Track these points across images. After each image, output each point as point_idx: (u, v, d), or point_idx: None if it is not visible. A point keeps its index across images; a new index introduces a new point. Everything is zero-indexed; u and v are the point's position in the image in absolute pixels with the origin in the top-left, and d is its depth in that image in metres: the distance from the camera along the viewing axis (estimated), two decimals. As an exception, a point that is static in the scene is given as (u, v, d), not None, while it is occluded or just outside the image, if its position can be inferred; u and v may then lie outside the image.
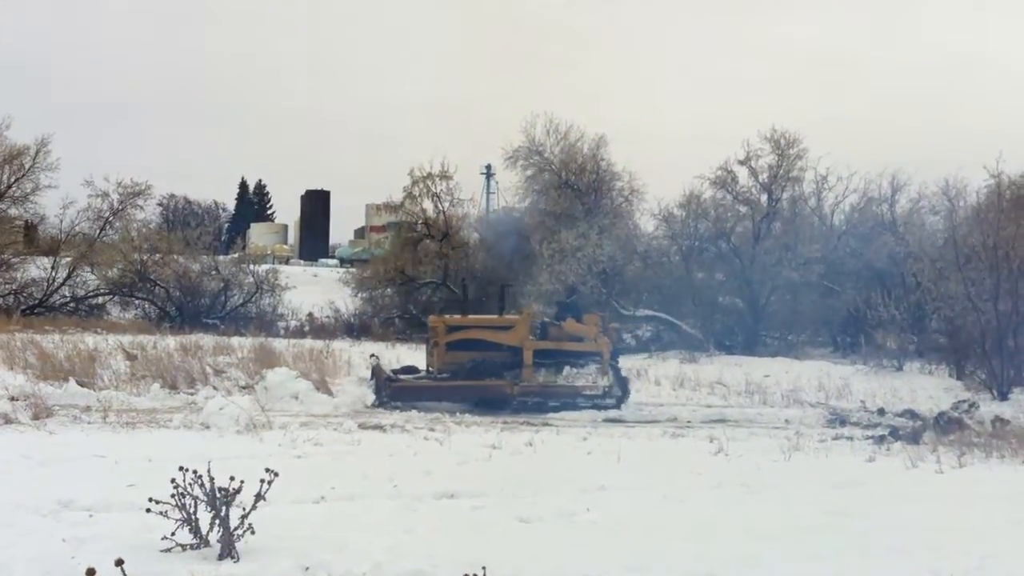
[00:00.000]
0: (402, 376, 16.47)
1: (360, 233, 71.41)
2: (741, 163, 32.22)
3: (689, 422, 14.89)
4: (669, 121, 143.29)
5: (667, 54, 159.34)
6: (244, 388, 15.66)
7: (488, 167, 60.54)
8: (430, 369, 16.66)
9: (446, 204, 34.43)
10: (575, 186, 32.52)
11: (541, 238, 31.11)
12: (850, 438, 13.38)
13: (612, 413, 15.40)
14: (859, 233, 32.53)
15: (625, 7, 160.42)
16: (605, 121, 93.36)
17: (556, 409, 15.56)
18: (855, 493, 9.12)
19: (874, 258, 30.70)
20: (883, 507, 8.32)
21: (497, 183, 55.84)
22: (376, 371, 16.14)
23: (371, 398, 15.40)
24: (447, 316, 18.01)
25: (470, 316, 17.99)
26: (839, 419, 15.73)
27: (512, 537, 6.84)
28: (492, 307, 32.36)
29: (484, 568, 5.05)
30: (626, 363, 23.14)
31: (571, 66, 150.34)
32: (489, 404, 15.61)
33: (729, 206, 32.78)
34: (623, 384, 16.45)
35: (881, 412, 16.85)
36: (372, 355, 17.79)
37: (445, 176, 34.03)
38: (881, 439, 13.02)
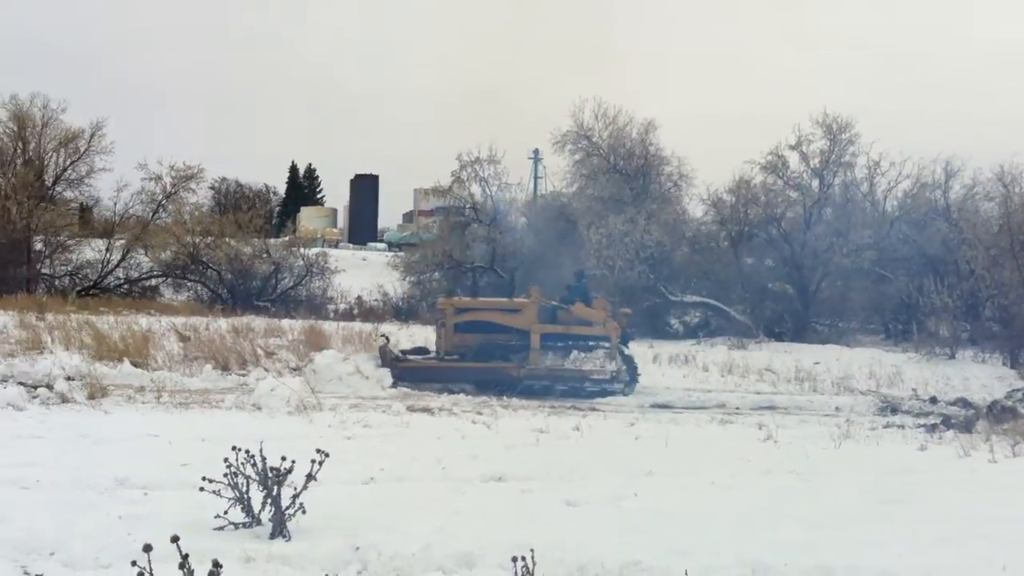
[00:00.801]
0: (411, 356, 16.50)
1: (408, 217, 71.62)
2: (792, 148, 31.94)
3: (738, 408, 14.81)
4: (718, 107, 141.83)
5: (716, 40, 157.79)
6: (294, 370, 15.83)
7: (536, 152, 60.33)
8: (440, 350, 16.71)
9: (494, 188, 34.49)
10: (623, 171, 32.32)
11: (588, 223, 30.95)
12: (901, 426, 13.24)
13: (660, 399, 15.34)
14: (912, 219, 32.09)
15: None
16: (653, 106, 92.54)
17: (564, 394, 15.53)
18: (907, 481, 9.00)
19: (927, 245, 30.27)
20: (935, 496, 8.22)
21: (545, 168, 55.65)
22: (383, 351, 16.17)
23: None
24: (456, 298, 18.01)
25: (479, 299, 17.98)
26: (890, 407, 15.56)
27: (560, 521, 6.85)
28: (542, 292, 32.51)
29: (532, 551, 5.06)
30: (673, 349, 23.14)
31: (619, 52, 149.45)
32: (495, 388, 15.47)
33: (779, 191, 32.50)
34: (632, 369, 16.33)
35: (933, 400, 16.64)
36: (382, 335, 17.83)
37: (493, 161, 34.06)
38: (933, 428, 12.87)
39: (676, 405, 14.98)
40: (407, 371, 15.61)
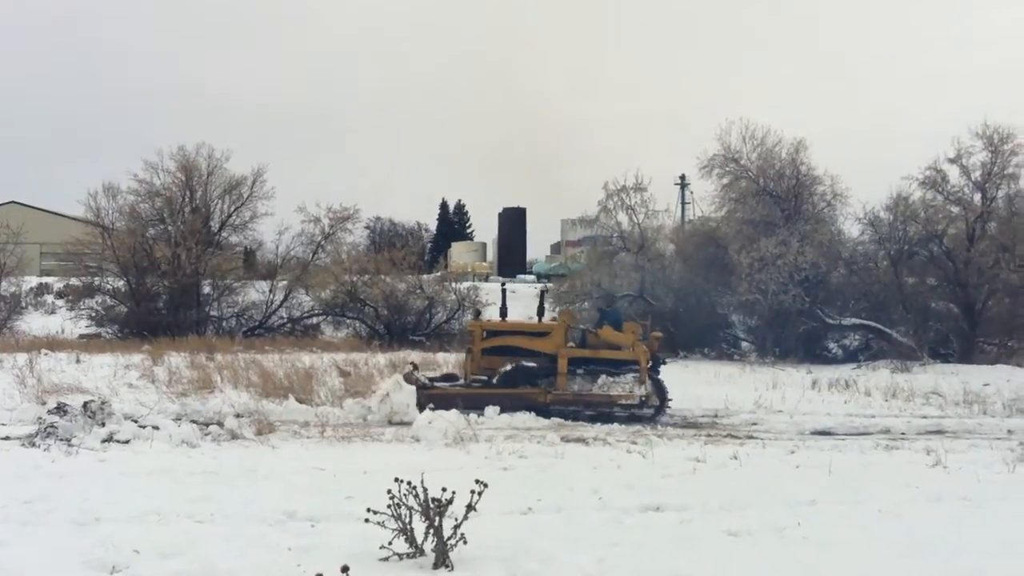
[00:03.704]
0: (438, 384, 16.26)
1: (556, 248, 72.05)
2: (951, 161, 30.83)
3: (903, 434, 14.25)
4: (871, 121, 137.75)
5: (865, 51, 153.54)
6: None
7: (682, 177, 60.06)
8: (467, 375, 16.43)
9: (641, 216, 34.40)
10: (773, 192, 31.77)
11: (739, 247, 30.57)
12: (1082, 450, 12.48)
13: (820, 425, 14.87)
14: (1085, 231, 30.38)
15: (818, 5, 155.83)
16: (802, 124, 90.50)
17: (592, 419, 15.07)
18: (1089, 509, 8.52)
19: (1103, 257, 28.61)
20: (1123, 524, 7.73)
21: (692, 193, 55.35)
22: (407, 378, 15.67)
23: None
24: (484, 320, 17.53)
25: (507, 321, 17.50)
26: (1069, 430, 14.69)
27: (721, 551, 6.75)
28: (690, 319, 32.23)
29: (694, 581, 5.03)
30: (832, 374, 22.50)
31: (764, 69, 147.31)
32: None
33: (940, 207, 31.35)
34: (662, 394, 15.77)
35: (1118, 422, 15.62)
36: (411, 362, 17.61)
37: (639, 188, 34.01)
38: (1119, 451, 12.07)
39: (838, 432, 14.52)
40: (433, 397, 15.10)
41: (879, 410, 16.84)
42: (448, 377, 17.20)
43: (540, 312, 17.47)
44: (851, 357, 29.80)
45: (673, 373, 21.88)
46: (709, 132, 38.87)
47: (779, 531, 7.41)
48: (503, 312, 17.49)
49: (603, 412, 15.44)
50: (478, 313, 18.70)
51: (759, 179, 32.02)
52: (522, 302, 39.88)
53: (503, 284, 21.49)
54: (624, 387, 15.59)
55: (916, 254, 31.79)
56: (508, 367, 15.86)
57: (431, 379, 16.50)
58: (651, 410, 15.63)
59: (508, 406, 15.20)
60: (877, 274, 31.77)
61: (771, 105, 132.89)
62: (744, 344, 33.37)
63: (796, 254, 29.45)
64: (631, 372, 15.66)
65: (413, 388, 14.92)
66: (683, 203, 59.65)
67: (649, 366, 15.81)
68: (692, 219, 49.67)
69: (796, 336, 30.23)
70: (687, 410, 16.36)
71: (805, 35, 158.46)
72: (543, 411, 15.22)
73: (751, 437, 13.67)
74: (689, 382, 20.12)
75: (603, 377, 15.68)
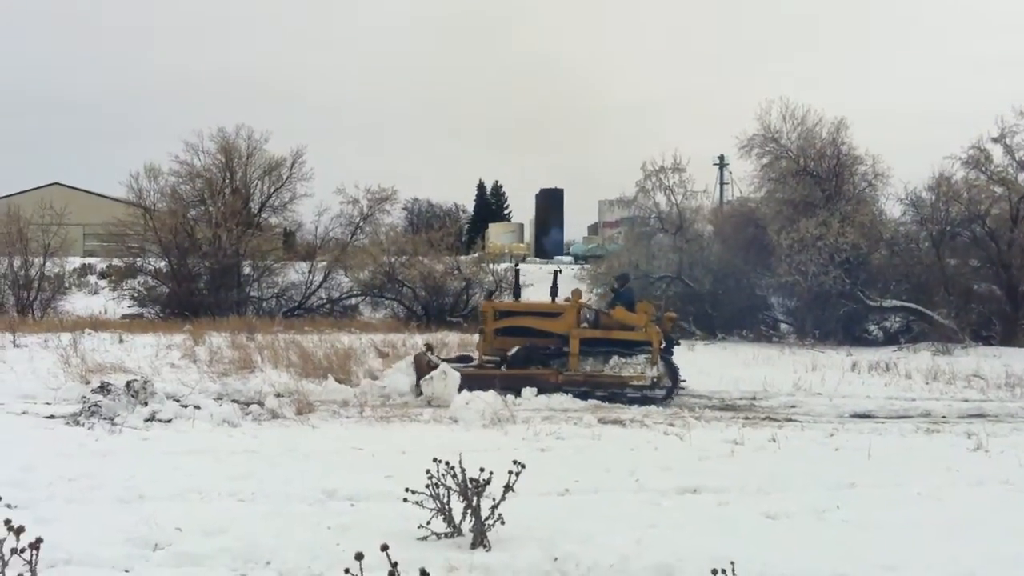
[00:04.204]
0: (451, 365, 16.16)
1: (593, 229, 71.83)
2: (995, 140, 30.36)
3: (944, 417, 14.09)
4: (914, 101, 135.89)
5: (909, 33, 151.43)
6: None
7: (721, 157, 59.74)
8: (480, 356, 16.37)
9: (679, 197, 34.22)
10: (814, 172, 31.45)
11: (779, 228, 30.31)
12: None
13: (860, 408, 14.75)
14: None
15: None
16: (844, 105, 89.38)
17: (604, 399, 14.92)
18: None
19: None
20: None
21: (731, 173, 54.96)
22: (417, 359, 15.47)
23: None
24: (497, 301, 17.27)
25: (519, 302, 17.27)
26: (1115, 414, 14.45)
27: (760, 533, 6.73)
28: (728, 300, 32.04)
29: (733, 564, 5.00)
30: (872, 356, 22.29)
31: (805, 50, 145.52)
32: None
33: (983, 187, 30.87)
34: (674, 375, 15.62)
35: None
36: (425, 343, 17.40)
37: (677, 169, 33.81)
38: None
39: (878, 415, 14.39)
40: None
41: (920, 393, 16.67)
42: (463, 358, 17.18)
43: (553, 293, 17.37)
44: (892, 339, 29.53)
45: (711, 355, 21.90)
46: (748, 112, 38.51)
47: (818, 514, 7.38)
48: (516, 292, 17.44)
49: (614, 394, 15.33)
50: (491, 294, 18.57)
51: (799, 159, 31.71)
52: (560, 283, 39.89)
53: (516, 265, 21.50)
54: (636, 368, 15.52)
55: (958, 235, 31.39)
56: (517, 348, 15.86)
57: (446, 359, 16.44)
58: (663, 392, 15.52)
59: (519, 387, 15.08)
60: (919, 255, 31.41)
61: (810, 83, 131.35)
62: (783, 326, 33.17)
63: (837, 235, 29.17)
64: (644, 353, 15.60)
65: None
66: (721, 183, 59.36)
67: (662, 347, 15.72)
68: (731, 200, 49.38)
69: (836, 318, 29.98)
70: (725, 392, 16.28)
71: (840, 17, 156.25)
72: (554, 392, 15.13)
73: (790, 420, 13.58)
74: (727, 364, 20.04)
75: (615, 358, 15.65)
